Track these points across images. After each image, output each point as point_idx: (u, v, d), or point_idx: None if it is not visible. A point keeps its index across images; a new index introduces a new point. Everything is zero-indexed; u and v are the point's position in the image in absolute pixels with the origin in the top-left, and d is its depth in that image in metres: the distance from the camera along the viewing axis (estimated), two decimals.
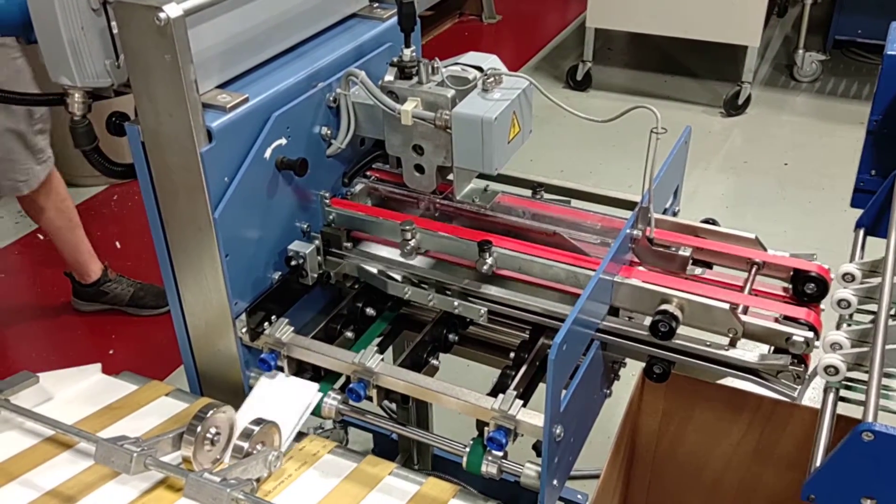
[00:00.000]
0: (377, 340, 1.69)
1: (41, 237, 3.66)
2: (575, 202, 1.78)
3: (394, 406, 1.79)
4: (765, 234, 1.58)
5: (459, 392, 1.40)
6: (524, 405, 1.39)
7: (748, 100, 4.75)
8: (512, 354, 1.59)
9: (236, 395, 1.62)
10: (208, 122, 1.40)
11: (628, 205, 1.73)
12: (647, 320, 1.43)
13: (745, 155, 4.45)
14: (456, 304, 1.54)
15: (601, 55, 5.27)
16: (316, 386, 1.54)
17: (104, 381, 1.70)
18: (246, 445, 1.38)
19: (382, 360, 1.47)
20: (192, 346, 1.65)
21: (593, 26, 4.93)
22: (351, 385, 1.47)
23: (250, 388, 1.62)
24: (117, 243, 3.67)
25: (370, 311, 1.68)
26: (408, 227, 1.59)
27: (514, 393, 1.37)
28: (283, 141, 1.54)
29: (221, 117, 1.43)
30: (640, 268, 1.54)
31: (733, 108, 4.78)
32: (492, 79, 1.54)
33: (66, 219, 2.99)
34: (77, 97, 1.43)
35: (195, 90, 1.36)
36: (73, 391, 1.65)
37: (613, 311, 1.50)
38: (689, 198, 1.82)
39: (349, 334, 1.64)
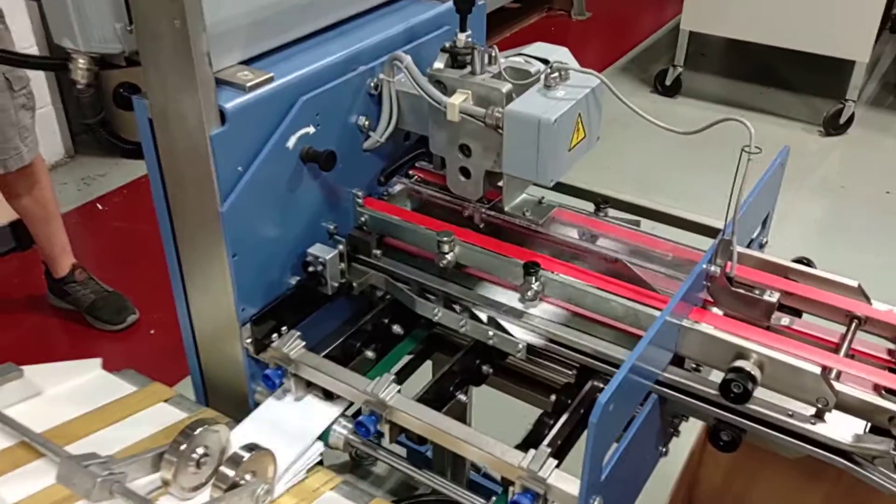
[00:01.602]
0: (401, 364, 1.48)
1: (100, 207, 3.57)
2: (646, 223, 1.53)
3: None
4: (857, 267, 1.32)
5: (483, 441, 1.18)
6: (559, 464, 1.16)
7: (851, 119, 4.37)
8: (553, 397, 1.36)
9: (241, 409, 1.44)
10: (222, 102, 1.22)
11: (708, 231, 1.48)
12: (718, 375, 1.19)
13: (843, 179, 4.08)
14: (491, 333, 1.32)
15: (694, 60, 4.94)
16: (333, 413, 1.34)
17: (102, 378, 1.54)
18: (232, 474, 1.19)
19: (399, 390, 1.26)
20: (199, 350, 1.48)
21: (688, 29, 4.62)
22: (360, 417, 1.26)
23: (256, 404, 1.43)
24: None
25: (397, 328, 1.48)
26: (445, 238, 1.38)
27: (548, 451, 1.15)
28: (311, 129, 1.35)
29: (238, 97, 1.24)
30: (715, 310, 1.29)
31: (834, 127, 4.40)
32: (556, 74, 1.31)
33: (42, 209, 2.83)
34: (81, 63, 1.26)
35: (207, 63, 1.18)
36: (66, 387, 1.49)
37: (678, 360, 1.26)
38: (775, 221, 1.56)
39: (370, 354, 1.44)
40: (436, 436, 1.22)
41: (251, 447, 1.23)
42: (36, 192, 2.78)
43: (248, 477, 1.21)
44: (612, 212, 1.53)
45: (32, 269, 3.17)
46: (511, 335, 1.32)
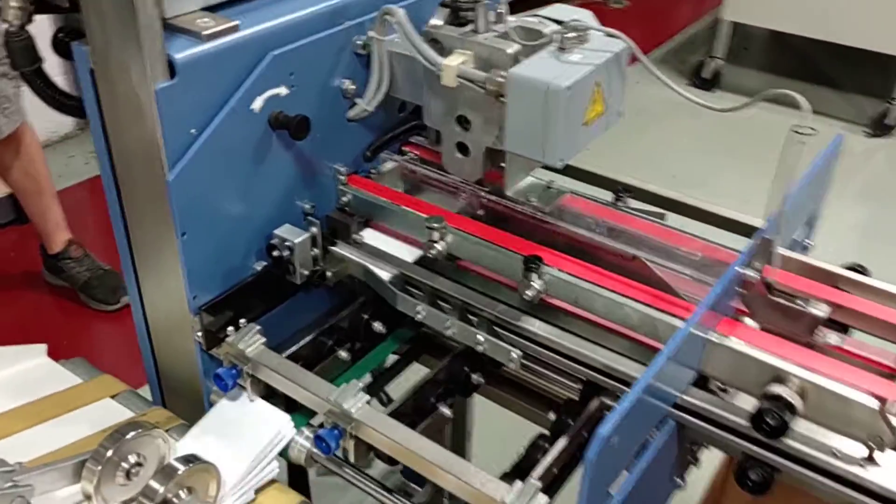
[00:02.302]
0: (382, 365, 1.29)
1: None
2: (672, 219, 1.33)
3: None
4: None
5: (461, 468, 0.99)
6: (551, 501, 0.96)
7: None
8: (553, 416, 1.16)
9: (198, 411, 1.26)
10: (172, 51, 1.03)
11: (744, 230, 1.27)
12: (749, 401, 0.99)
13: (889, 183, 3.83)
14: (480, 338, 1.12)
15: (734, 53, 4.68)
16: (287, 418, 1.15)
17: (46, 367, 1.37)
18: (161, 489, 1.01)
19: (369, 401, 1.07)
20: (152, 341, 1.29)
21: (729, 20, 4.38)
22: (321, 430, 1.07)
23: (211, 406, 1.25)
24: None
25: (378, 326, 1.28)
26: (435, 224, 1.18)
27: (538, 484, 0.95)
28: (283, 90, 1.15)
29: (192, 47, 1.05)
30: (749, 323, 1.08)
31: (880, 128, 4.14)
32: (573, 34, 1.10)
33: (34, 182, 2.68)
34: (12, 2, 1.08)
35: (153, 4, 0.99)
36: (3, 375, 1.32)
37: (701, 381, 1.06)
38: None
39: (343, 354, 1.25)
40: (406, 457, 1.02)
41: (189, 459, 1.04)
42: (25, 164, 2.63)
43: (182, 494, 1.03)
44: (632, 202, 1.33)
45: (31, 242, 3.03)
46: (503, 341, 1.12)
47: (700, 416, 1.01)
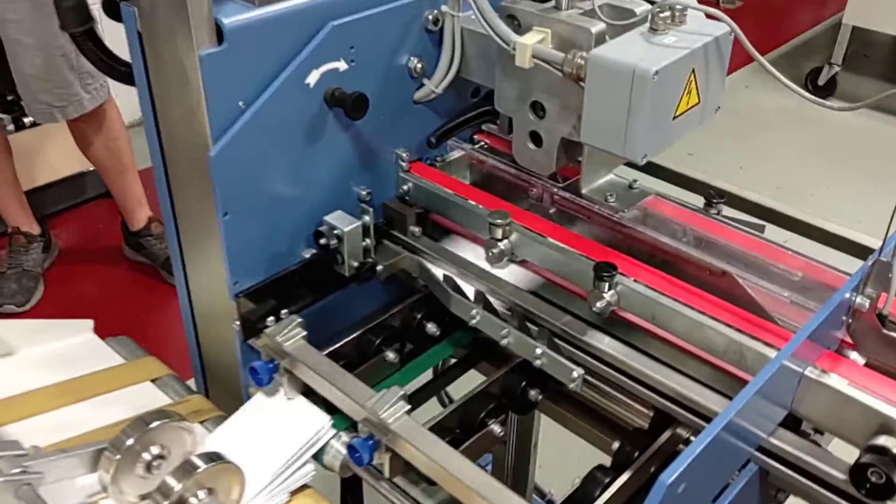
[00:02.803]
0: (437, 370, 1.18)
1: None
2: (771, 231, 1.17)
3: None
4: None
5: (500, 497, 0.87)
6: None
7: None
8: (616, 445, 1.03)
9: (238, 402, 1.18)
10: (220, 16, 0.95)
11: (857, 250, 1.10)
12: (849, 451, 0.83)
13: None
14: (539, 351, 1.00)
15: (854, 60, 4.37)
16: (326, 419, 1.06)
17: (90, 343, 1.31)
18: (178, 487, 0.92)
19: (409, 410, 0.96)
20: (196, 326, 1.22)
21: (851, 24, 4.08)
22: (354, 440, 0.97)
23: (249, 396, 1.17)
24: None
25: (432, 327, 1.17)
26: (499, 220, 1.06)
27: None
28: (342, 65, 1.06)
29: (243, 12, 0.97)
30: (855, 358, 0.93)
31: None
32: (667, 13, 0.97)
33: (116, 160, 2.68)
34: None
35: None
36: (43, 350, 1.27)
37: (792, 421, 0.91)
38: None
39: (391, 356, 1.14)
40: (443, 479, 0.91)
41: (212, 456, 0.96)
42: (108, 141, 2.64)
43: (201, 495, 0.94)
44: (726, 211, 1.18)
45: (118, 217, 3.06)
46: (565, 357, 0.99)
47: (788, 464, 0.87)
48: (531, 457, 1.88)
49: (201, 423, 1.15)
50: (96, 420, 1.13)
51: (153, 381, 1.25)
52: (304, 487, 1.06)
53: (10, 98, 2.74)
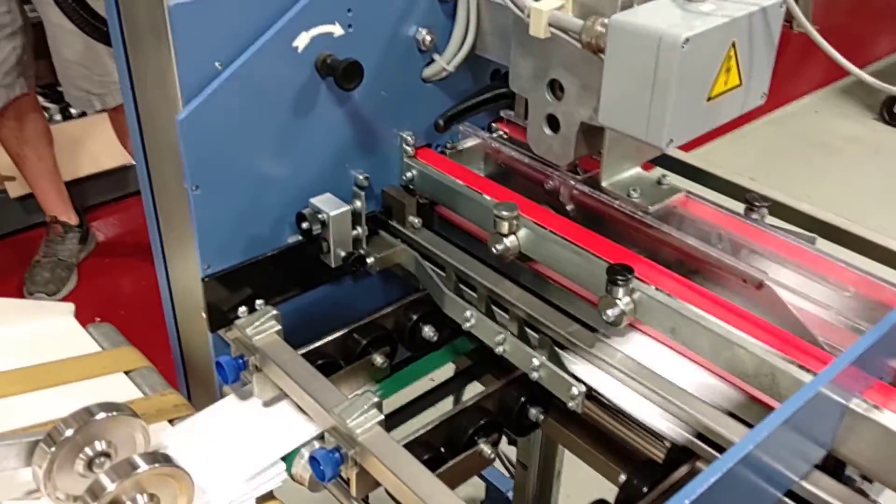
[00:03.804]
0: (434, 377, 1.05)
1: None
2: (822, 244, 1.01)
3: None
4: None
5: None
6: None
7: None
8: (623, 478, 0.88)
9: (212, 400, 1.07)
10: None
11: None
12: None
13: None
14: (537, 362, 0.86)
15: None
16: (306, 432, 0.93)
17: (66, 328, 1.22)
18: (111, 487, 0.80)
19: (382, 420, 0.83)
20: (176, 314, 1.12)
21: None
22: (316, 451, 0.85)
23: (223, 395, 1.06)
24: None
25: (429, 331, 1.04)
26: (505, 213, 0.93)
27: None
28: (337, 29, 0.95)
29: None
30: None
31: None
32: None
33: None
34: None
35: None
36: (17, 330, 1.18)
37: (832, 464, 0.75)
38: None
39: (379, 360, 1.02)
40: (410, 503, 0.77)
41: (158, 457, 0.85)
42: None
43: (140, 500, 0.83)
44: (770, 219, 1.03)
45: None
46: (566, 371, 0.85)
47: None
48: (553, 486, 1.73)
49: (170, 421, 1.04)
50: (53, 411, 1.03)
51: (127, 372, 1.15)
52: (270, 495, 0.94)
53: (59, 89, 2.73)
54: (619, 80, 0.82)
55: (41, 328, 1.20)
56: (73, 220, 2.85)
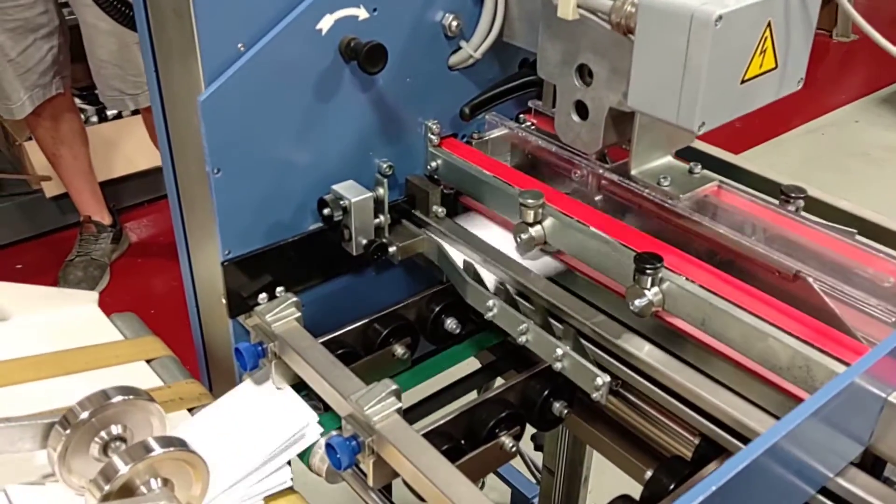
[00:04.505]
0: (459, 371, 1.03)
1: None
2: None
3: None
4: None
5: None
6: None
7: None
8: (649, 474, 0.85)
9: (232, 388, 1.06)
10: None
11: None
12: None
13: None
14: (560, 352, 0.83)
15: None
16: (313, 417, 0.92)
17: (90, 316, 1.22)
18: (124, 469, 0.79)
19: (400, 409, 0.81)
20: (198, 301, 1.11)
21: None
22: (332, 438, 0.83)
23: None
24: None
25: (452, 323, 1.02)
26: (530, 202, 0.91)
27: None
28: (362, 12, 0.93)
29: None
30: None
31: None
32: None
33: None
34: None
35: None
36: (38, 318, 1.18)
37: (870, 460, 0.71)
38: None
39: (399, 350, 1.00)
40: (429, 494, 0.75)
41: (173, 441, 0.83)
42: None
43: (153, 484, 0.82)
44: (805, 215, 0.99)
45: None
46: (590, 362, 0.82)
47: None
48: (580, 492, 1.70)
49: (189, 410, 1.03)
50: (72, 396, 1.02)
51: (149, 361, 1.14)
52: (288, 490, 0.92)
53: (96, 91, 2.77)
54: (650, 61, 0.80)
55: (65, 316, 1.20)
56: (106, 220, 2.87)
